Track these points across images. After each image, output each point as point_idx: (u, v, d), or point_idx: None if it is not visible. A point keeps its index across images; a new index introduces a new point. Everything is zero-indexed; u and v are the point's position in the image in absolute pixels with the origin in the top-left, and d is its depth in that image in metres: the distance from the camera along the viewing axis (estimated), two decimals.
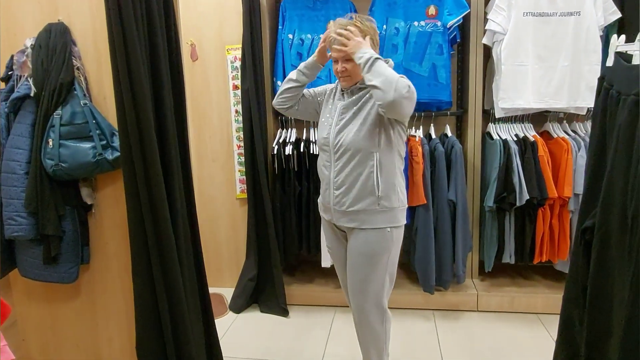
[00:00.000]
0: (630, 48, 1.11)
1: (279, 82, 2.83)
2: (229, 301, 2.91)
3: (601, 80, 1.25)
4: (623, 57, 1.14)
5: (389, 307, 1.88)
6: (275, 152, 2.78)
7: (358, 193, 1.72)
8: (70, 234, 1.76)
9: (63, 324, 1.94)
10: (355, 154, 1.71)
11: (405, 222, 1.81)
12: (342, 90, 1.82)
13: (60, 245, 1.74)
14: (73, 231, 1.76)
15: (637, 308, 0.89)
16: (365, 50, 1.64)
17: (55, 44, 1.65)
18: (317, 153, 1.91)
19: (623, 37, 1.21)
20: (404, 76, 1.61)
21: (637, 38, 1.07)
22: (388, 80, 1.54)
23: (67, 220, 1.75)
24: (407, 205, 1.82)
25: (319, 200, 1.93)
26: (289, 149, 2.74)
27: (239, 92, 2.89)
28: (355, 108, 1.74)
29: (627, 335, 0.92)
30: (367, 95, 1.72)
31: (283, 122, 2.98)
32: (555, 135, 2.66)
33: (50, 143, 1.66)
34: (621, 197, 1.03)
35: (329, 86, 1.93)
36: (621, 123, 1.04)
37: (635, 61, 1.06)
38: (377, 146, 1.69)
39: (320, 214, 1.94)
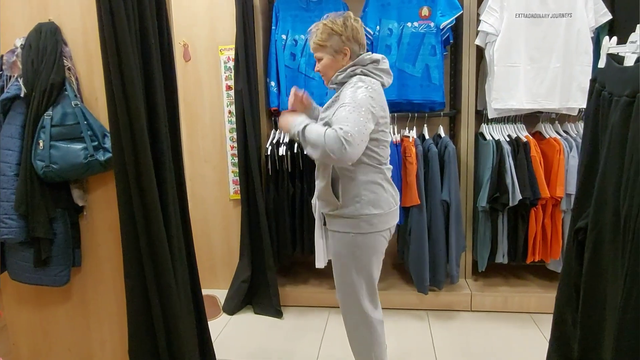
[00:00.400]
0: (622, 50, 1.12)
1: (272, 83, 2.82)
2: (222, 303, 2.90)
3: (593, 81, 1.26)
4: (615, 59, 1.15)
5: (385, 308, 1.88)
6: (268, 152, 2.77)
7: (322, 199, 1.76)
8: (61, 237, 1.73)
9: (54, 328, 1.92)
10: (319, 163, 1.74)
11: (377, 230, 1.70)
12: None
13: (51, 247, 1.72)
14: (64, 233, 1.74)
15: (630, 309, 0.90)
16: (293, 125, 1.60)
17: (45, 44, 1.63)
18: None
19: (615, 39, 1.22)
20: (342, 123, 1.47)
21: (629, 40, 1.08)
22: (318, 149, 1.49)
23: (58, 223, 1.72)
24: (380, 213, 1.68)
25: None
26: (282, 150, 2.73)
27: (232, 92, 2.88)
28: (323, 115, 1.73)
29: (621, 336, 0.92)
30: (331, 100, 1.72)
31: (276, 122, 2.97)
32: (547, 136, 2.68)
33: (41, 144, 1.64)
34: (614, 198, 1.04)
35: None
36: (614, 124, 1.05)
37: (627, 63, 1.06)
38: None
39: None
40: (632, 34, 1.07)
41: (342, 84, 1.70)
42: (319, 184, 1.77)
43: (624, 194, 0.97)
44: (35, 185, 1.66)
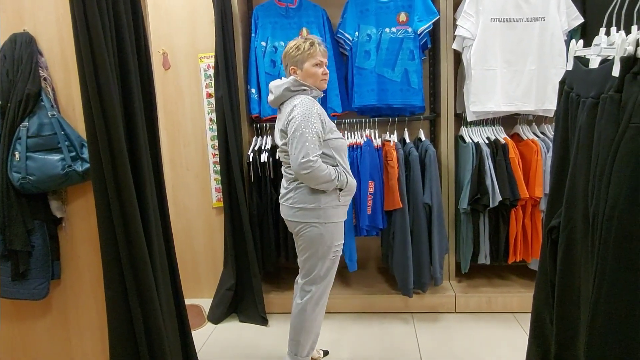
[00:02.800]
0: (587, 52, 1.16)
1: (252, 90, 2.82)
2: (207, 312, 2.87)
3: (562, 83, 1.29)
4: (581, 61, 1.18)
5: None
6: (250, 159, 2.77)
7: None
8: (39, 249, 1.71)
9: (34, 342, 1.88)
10: None
11: None
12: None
13: (29, 260, 1.69)
14: (42, 246, 1.71)
15: (600, 305, 0.92)
16: None
17: (21, 55, 1.61)
18: None
19: (581, 41, 1.25)
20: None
21: (593, 43, 1.11)
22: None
23: (36, 235, 1.70)
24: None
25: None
26: (264, 157, 2.73)
27: (212, 100, 2.87)
28: None
29: (592, 332, 0.94)
30: None
31: (258, 129, 2.98)
32: (525, 137, 2.73)
33: (17, 156, 1.61)
34: (583, 197, 1.06)
35: (318, 110, 1.94)
36: (581, 125, 1.08)
37: (592, 65, 1.10)
38: None
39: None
40: (596, 37, 1.10)
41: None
42: None
43: (591, 192, 0.99)
44: (12, 197, 1.64)
